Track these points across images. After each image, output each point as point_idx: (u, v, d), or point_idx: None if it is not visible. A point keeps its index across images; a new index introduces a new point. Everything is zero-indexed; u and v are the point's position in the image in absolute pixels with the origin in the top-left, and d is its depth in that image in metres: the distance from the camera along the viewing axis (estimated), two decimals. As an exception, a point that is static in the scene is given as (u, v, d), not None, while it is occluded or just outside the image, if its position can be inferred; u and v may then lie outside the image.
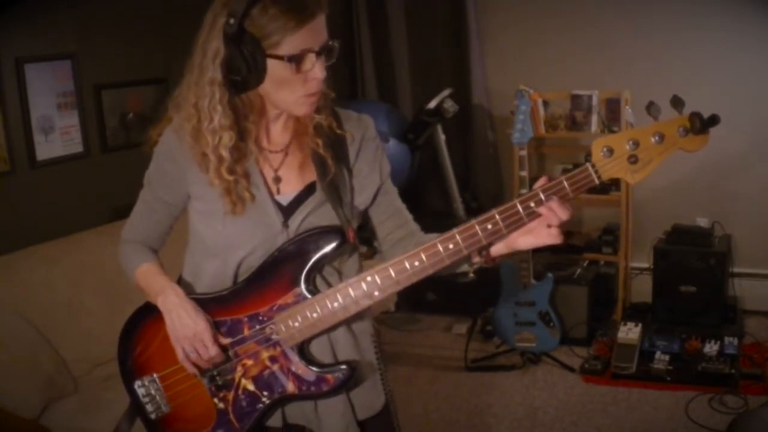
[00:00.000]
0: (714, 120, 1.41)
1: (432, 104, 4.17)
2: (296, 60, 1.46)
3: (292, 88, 1.50)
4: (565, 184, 1.45)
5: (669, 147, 1.44)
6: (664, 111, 1.44)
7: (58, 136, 3.58)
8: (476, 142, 4.74)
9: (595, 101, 4.14)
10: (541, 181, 1.49)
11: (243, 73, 1.47)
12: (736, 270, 4.24)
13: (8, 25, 3.34)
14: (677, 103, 1.44)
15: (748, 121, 4.14)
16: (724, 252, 4.03)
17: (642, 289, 4.37)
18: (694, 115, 1.42)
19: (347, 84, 4.99)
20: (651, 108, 1.44)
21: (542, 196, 1.46)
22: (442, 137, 4.37)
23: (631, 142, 1.43)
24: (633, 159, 1.44)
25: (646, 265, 4.41)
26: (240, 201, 1.56)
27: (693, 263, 3.97)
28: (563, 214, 1.47)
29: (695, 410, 3.36)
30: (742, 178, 4.30)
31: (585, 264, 4.32)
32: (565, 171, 4.40)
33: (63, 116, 3.60)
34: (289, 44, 1.45)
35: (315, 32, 1.47)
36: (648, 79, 4.21)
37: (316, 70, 1.49)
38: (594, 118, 4.15)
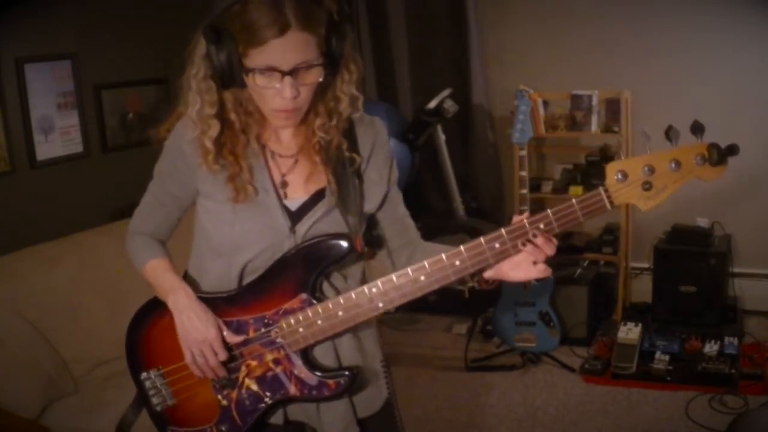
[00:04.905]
0: (732, 150, 1.37)
1: (432, 104, 4.17)
2: (258, 74, 1.45)
3: (262, 100, 1.50)
4: (576, 207, 1.44)
5: (685, 175, 1.40)
6: (683, 136, 1.40)
7: (58, 136, 3.58)
8: (476, 142, 4.73)
9: (595, 101, 4.14)
10: (522, 217, 1.48)
11: (221, 71, 1.47)
12: (736, 270, 4.24)
13: (8, 25, 3.34)
14: (697, 129, 1.39)
15: (748, 121, 4.14)
16: (724, 252, 4.03)
17: (642, 289, 4.37)
18: (713, 146, 1.38)
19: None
20: (670, 132, 1.40)
21: (552, 219, 1.45)
22: (442, 137, 4.37)
23: (646, 168, 1.40)
24: (647, 186, 1.40)
25: (646, 265, 4.41)
26: (243, 190, 1.56)
27: (693, 263, 3.97)
28: (549, 250, 1.48)
29: (695, 410, 3.36)
30: (742, 178, 4.29)
31: (585, 264, 4.32)
32: (565, 171, 4.45)
33: (63, 116, 3.60)
34: (253, 58, 1.43)
35: (285, 50, 1.42)
36: (648, 79, 4.21)
37: (285, 89, 1.45)
38: (594, 118, 4.15)
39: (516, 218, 1.49)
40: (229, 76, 1.48)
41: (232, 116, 1.56)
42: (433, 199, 4.79)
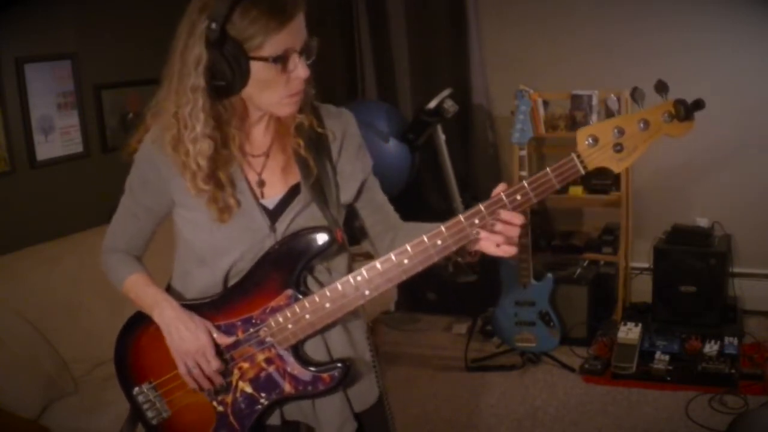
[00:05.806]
0: (698, 105, 1.41)
1: (432, 104, 4.17)
2: (280, 60, 1.45)
3: (275, 89, 1.49)
4: (551, 176, 1.45)
5: (654, 134, 1.43)
6: (648, 96, 1.44)
7: (58, 136, 3.58)
8: (476, 142, 4.73)
9: (595, 101, 4.14)
10: (499, 189, 1.47)
11: (227, 77, 1.45)
12: (736, 270, 4.24)
13: (8, 25, 3.34)
14: (661, 88, 1.43)
15: (748, 121, 4.14)
16: (724, 252, 4.03)
17: (642, 289, 4.37)
18: (679, 102, 1.41)
19: (347, 84, 4.99)
20: (635, 93, 1.44)
21: (528, 189, 1.45)
22: (442, 137, 4.36)
23: (616, 130, 1.43)
24: (618, 147, 1.43)
25: (646, 265, 4.41)
26: (227, 209, 1.54)
27: (693, 263, 3.97)
28: (512, 232, 1.46)
29: (695, 410, 3.36)
30: (742, 179, 4.29)
31: (585, 264, 4.32)
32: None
33: (63, 116, 3.60)
34: (272, 45, 1.44)
35: (296, 31, 1.46)
36: (648, 79, 4.18)
37: (299, 69, 1.48)
38: (594, 118, 4.15)
39: (494, 191, 1.48)
40: (240, 80, 1.46)
41: (216, 133, 1.53)
42: (433, 199, 4.79)
